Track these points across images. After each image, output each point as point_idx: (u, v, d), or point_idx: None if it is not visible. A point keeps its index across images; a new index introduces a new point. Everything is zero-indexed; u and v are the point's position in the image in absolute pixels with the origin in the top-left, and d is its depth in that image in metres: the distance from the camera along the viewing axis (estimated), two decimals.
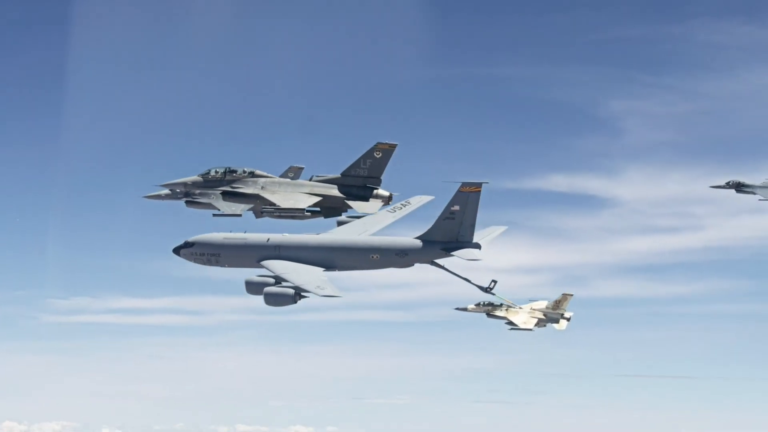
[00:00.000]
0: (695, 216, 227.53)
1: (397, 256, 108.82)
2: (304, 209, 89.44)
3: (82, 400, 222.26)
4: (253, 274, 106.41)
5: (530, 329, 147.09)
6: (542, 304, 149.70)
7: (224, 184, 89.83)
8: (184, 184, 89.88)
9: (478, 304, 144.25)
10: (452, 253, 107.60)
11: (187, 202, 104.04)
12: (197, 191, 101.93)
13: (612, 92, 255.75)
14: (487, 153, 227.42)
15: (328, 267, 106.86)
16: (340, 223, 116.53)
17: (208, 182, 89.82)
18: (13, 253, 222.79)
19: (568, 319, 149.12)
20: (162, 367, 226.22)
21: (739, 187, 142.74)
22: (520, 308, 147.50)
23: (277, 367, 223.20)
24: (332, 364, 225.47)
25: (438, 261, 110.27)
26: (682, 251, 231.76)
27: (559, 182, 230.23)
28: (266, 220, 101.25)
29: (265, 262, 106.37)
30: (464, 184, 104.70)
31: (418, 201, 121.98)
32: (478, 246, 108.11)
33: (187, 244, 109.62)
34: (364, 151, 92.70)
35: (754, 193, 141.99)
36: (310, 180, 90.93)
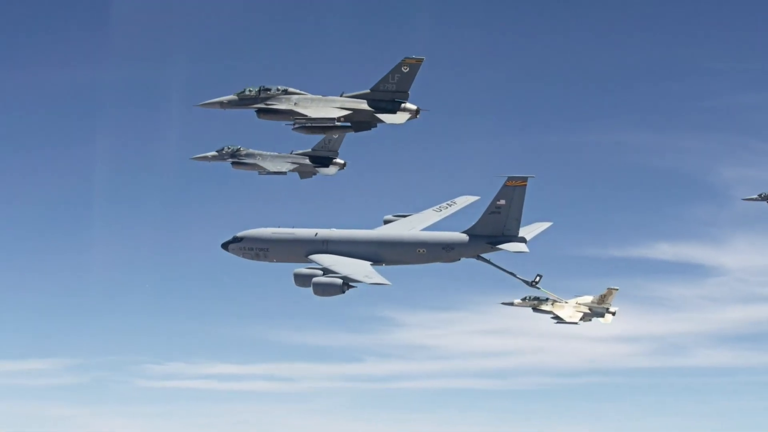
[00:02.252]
0: None
1: (444, 251, 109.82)
2: (334, 119, 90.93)
3: None
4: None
5: (576, 323, 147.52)
6: (588, 299, 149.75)
7: (258, 102, 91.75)
8: (221, 102, 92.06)
9: (524, 299, 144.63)
10: (498, 246, 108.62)
11: (233, 163, 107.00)
12: (243, 152, 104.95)
13: (723, 159, 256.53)
14: (594, 221, 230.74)
15: (376, 261, 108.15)
16: (386, 222, 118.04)
17: (243, 100, 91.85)
18: (109, 317, 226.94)
19: (614, 314, 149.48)
20: None
21: None
22: (566, 302, 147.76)
23: None
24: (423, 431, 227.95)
25: (483, 255, 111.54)
26: None
27: (665, 251, 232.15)
28: (310, 187, 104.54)
29: (313, 256, 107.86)
30: (510, 179, 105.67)
31: (464, 201, 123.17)
32: (523, 240, 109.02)
33: (236, 239, 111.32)
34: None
35: None
36: (340, 97, 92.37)
